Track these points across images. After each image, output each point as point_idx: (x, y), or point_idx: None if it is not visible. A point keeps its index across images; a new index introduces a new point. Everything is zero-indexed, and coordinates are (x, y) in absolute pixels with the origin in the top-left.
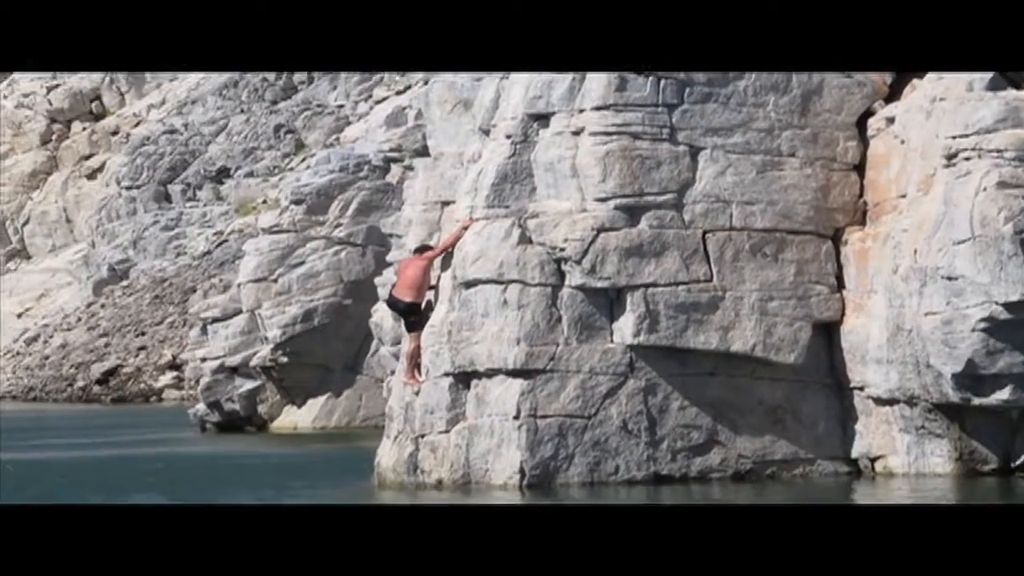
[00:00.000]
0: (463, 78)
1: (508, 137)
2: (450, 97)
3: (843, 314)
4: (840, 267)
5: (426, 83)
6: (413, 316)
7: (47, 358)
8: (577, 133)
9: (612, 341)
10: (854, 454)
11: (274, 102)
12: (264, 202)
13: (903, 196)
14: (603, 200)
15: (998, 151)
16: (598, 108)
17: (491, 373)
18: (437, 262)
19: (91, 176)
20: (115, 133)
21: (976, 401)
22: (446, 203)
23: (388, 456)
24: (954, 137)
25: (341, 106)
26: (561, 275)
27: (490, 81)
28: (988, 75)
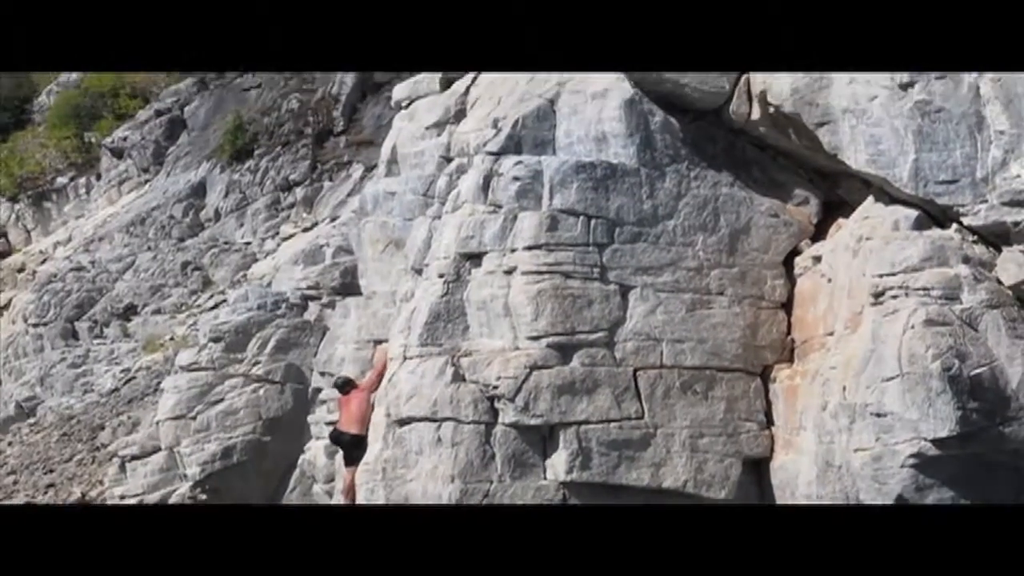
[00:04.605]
0: (394, 218)
1: (441, 276)
2: (382, 236)
3: (772, 450)
4: (769, 404)
5: (333, 220)
6: (357, 450)
7: None
8: (509, 272)
9: (545, 478)
10: None
11: (181, 239)
12: (171, 339)
13: (830, 334)
14: (535, 338)
15: (924, 289)
16: (529, 248)
17: None
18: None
19: None
20: (21, 270)
21: None
22: (379, 341)
23: None
24: (881, 276)
25: (248, 243)
26: (494, 412)
27: (422, 221)
28: (913, 214)
